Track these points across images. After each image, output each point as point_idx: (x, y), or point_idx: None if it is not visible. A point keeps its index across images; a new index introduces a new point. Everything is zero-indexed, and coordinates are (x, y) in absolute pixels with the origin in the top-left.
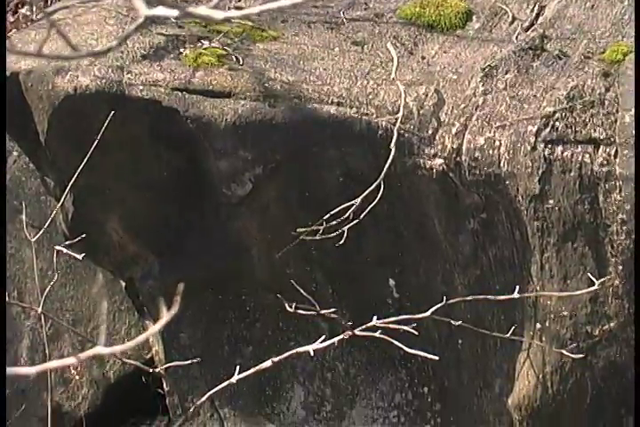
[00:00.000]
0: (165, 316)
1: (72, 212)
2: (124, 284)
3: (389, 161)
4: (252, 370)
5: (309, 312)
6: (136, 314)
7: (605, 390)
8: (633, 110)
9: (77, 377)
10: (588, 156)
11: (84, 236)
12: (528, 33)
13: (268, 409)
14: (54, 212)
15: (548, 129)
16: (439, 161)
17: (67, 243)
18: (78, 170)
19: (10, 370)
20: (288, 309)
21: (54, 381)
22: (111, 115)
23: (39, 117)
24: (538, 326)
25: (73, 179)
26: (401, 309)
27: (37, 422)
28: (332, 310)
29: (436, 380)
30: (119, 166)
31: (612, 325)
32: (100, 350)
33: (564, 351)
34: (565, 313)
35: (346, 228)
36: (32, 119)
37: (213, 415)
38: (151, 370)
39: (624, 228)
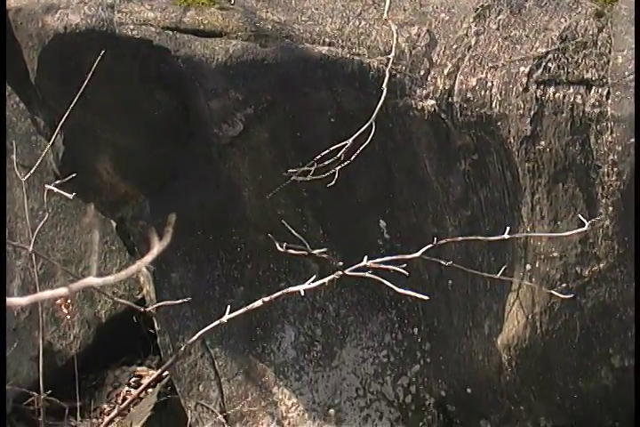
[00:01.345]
0: (157, 246)
1: (62, 151)
2: (114, 224)
3: (381, 102)
4: (243, 310)
5: (300, 252)
6: (127, 255)
7: (594, 329)
8: (626, 51)
9: (68, 317)
10: (580, 97)
11: (74, 175)
12: None
13: (259, 349)
14: (45, 151)
15: (540, 70)
16: (431, 102)
17: (57, 182)
18: (69, 109)
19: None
20: (279, 249)
21: (45, 320)
22: (101, 54)
23: (29, 56)
24: (528, 266)
25: (63, 118)
26: (391, 250)
27: (28, 360)
28: (323, 250)
29: (426, 320)
30: (110, 106)
31: (601, 265)
32: (91, 281)
33: (553, 292)
34: (555, 254)
35: (337, 169)
36: (22, 58)
37: (204, 355)
38: (142, 309)
39: (615, 169)
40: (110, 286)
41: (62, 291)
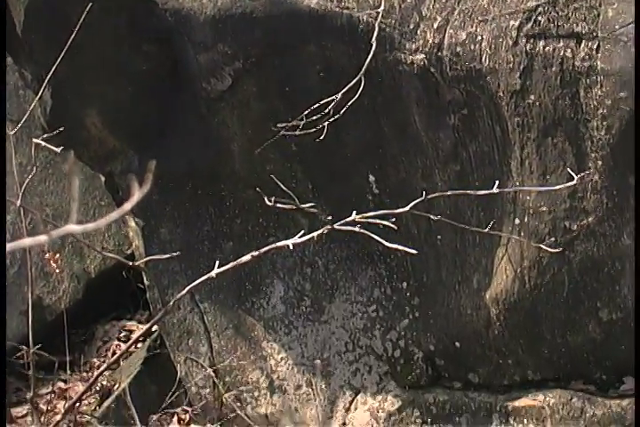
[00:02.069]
0: (137, 193)
1: (50, 105)
2: (103, 179)
3: (370, 56)
4: (232, 264)
5: (289, 206)
6: (116, 209)
7: (582, 284)
8: (616, 4)
9: (57, 271)
10: (569, 50)
11: (62, 130)
12: None
13: (248, 304)
14: (32, 105)
15: (530, 24)
16: (420, 56)
17: (45, 136)
18: (56, 63)
19: None
20: (267, 203)
21: (35, 275)
22: (89, 6)
23: (16, 8)
24: (517, 221)
25: (51, 72)
26: (380, 204)
27: (18, 315)
28: (312, 204)
29: (415, 275)
30: (97, 59)
31: (590, 219)
32: (71, 228)
33: (542, 246)
34: (544, 208)
35: (326, 123)
36: (8, 10)
37: (194, 310)
38: (131, 264)
39: (604, 123)
40: (99, 240)
41: (42, 238)
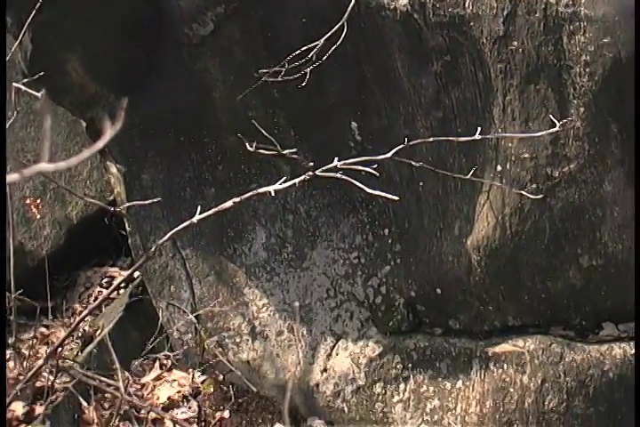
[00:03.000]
0: (109, 130)
1: (31, 50)
2: (84, 124)
3: (353, 2)
4: (214, 210)
5: (271, 152)
6: (97, 156)
7: (563, 230)
8: None
9: (39, 217)
10: None
11: (43, 74)
12: None
13: (230, 250)
14: (12, 50)
15: None
16: (403, 2)
17: (25, 81)
18: (36, 7)
19: None
20: (249, 148)
21: (16, 220)
22: None
23: None
24: (498, 168)
25: (31, 16)
26: (363, 151)
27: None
28: (294, 150)
29: (397, 222)
30: (78, 4)
31: (571, 166)
32: (43, 166)
33: (523, 193)
34: (526, 155)
35: (308, 69)
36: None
37: (175, 256)
38: (113, 210)
39: (587, 69)
40: (81, 187)
41: (14, 176)
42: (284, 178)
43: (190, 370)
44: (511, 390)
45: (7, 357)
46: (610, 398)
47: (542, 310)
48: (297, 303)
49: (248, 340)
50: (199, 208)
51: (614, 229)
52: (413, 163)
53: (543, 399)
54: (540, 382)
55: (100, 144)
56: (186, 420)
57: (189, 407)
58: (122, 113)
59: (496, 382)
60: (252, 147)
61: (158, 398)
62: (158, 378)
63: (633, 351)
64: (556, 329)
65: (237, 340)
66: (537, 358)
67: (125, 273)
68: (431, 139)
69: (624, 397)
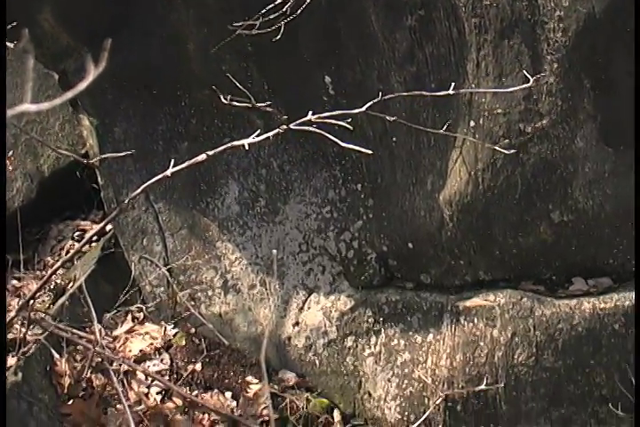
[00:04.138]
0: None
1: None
2: (57, 76)
3: None
4: (187, 163)
5: (244, 104)
6: (70, 108)
7: (535, 186)
8: None
9: (10, 168)
10: None
11: (14, 25)
12: None
13: (203, 204)
14: None
15: None
16: None
17: None
18: None
19: None
20: (223, 100)
21: None
22: None
23: None
24: (472, 123)
25: None
26: (336, 105)
27: None
28: (267, 103)
29: (370, 177)
30: None
31: (544, 122)
32: (26, 107)
33: (496, 148)
34: (499, 110)
35: (282, 23)
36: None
37: (148, 209)
38: (86, 162)
39: (560, 25)
40: (53, 141)
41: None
42: (258, 131)
43: (162, 323)
44: (481, 343)
45: None
46: (578, 352)
47: (513, 264)
48: (275, 251)
49: (220, 293)
50: (172, 161)
51: (585, 185)
52: (387, 117)
53: (513, 353)
54: (509, 335)
55: (74, 91)
56: (158, 372)
57: (161, 360)
58: (94, 65)
59: (466, 335)
60: (225, 99)
61: (130, 351)
62: (130, 331)
63: (602, 306)
64: (526, 284)
65: (210, 293)
66: (507, 313)
67: (97, 226)
68: (405, 93)
69: (592, 350)
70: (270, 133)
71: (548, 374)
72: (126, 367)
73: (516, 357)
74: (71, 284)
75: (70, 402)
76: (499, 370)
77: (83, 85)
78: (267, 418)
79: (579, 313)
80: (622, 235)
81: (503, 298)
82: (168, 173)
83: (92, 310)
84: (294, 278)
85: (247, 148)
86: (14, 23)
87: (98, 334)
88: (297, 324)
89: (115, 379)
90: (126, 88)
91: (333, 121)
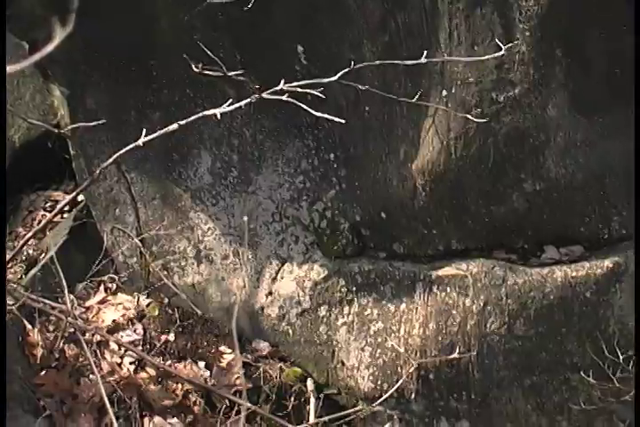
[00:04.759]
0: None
1: None
2: (27, 46)
3: None
4: (159, 133)
5: (216, 73)
6: (40, 79)
7: (507, 155)
8: None
9: None
10: None
11: None
12: None
13: (175, 174)
14: None
15: None
16: None
17: None
18: None
19: None
20: (194, 69)
21: None
22: None
23: None
24: (444, 92)
25: None
26: (308, 75)
27: None
28: (239, 72)
29: (343, 146)
30: None
31: (516, 91)
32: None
33: (468, 116)
34: (471, 79)
35: None
36: None
37: (120, 180)
38: (57, 131)
39: None
40: (23, 111)
41: None
42: (230, 101)
43: (135, 293)
44: (454, 312)
45: None
46: (550, 320)
47: (485, 233)
48: (245, 218)
49: (193, 263)
50: (144, 131)
51: (558, 154)
52: (359, 86)
53: (485, 322)
54: (482, 304)
55: (41, 54)
56: (131, 343)
57: (134, 330)
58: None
59: (439, 304)
60: (197, 68)
61: (103, 321)
62: (103, 301)
63: (573, 274)
64: (498, 253)
65: (183, 263)
66: (479, 282)
67: (69, 197)
68: (377, 62)
69: (564, 318)
70: (242, 103)
71: (520, 343)
72: (99, 338)
73: (488, 325)
74: (43, 254)
75: (43, 373)
76: (471, 339)
77: (50, 48)
78: (240, 388)
79: (551, 281)
80: (594, 203)
81: (475, 267)
82: (139, 142)
83: (64, 280)
84: (267, 248)
85: (219, 117)
86: None
87: (70, 305)
88: (270, 294)
89: (87, 349)
90: (98, 59)
91: (305, 90)
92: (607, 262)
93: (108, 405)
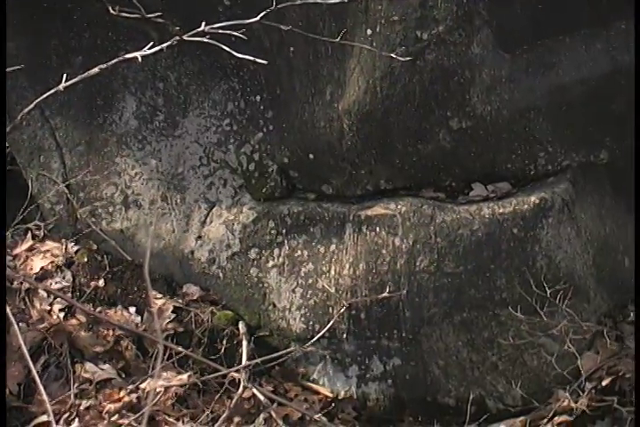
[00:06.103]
0: None
1: None
2: None
3: None
4: (80, 77)
5: (134, 15)
6: None
7: (433, 93)
8: None
9: None
10: None
11: None
12: None
13: (100, 119)
14: None
15: None
16: None
17: None
18: None
19: None
20: (111, 11)
21: None
22: None
23: None
24: (368, 31)
25: None
26: (232, 17)
27: None
28: (158, 14)
29: (269, 88)
30: None
31: (440, 28)
32: None
33: (393, 55)
34: (396, 18)
35: None
36: None
37: (44, 126)
38: None
39: None
40: None
41: None
42: (151, 44)
43: (63, 240)
44: (383, 251)
45: None
46: (479, 257)
47: (413, 172)
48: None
49: (121, 209)
50: (65, 76)
51: (483, 91)
52: (282, 27)
53: (414, 260)
54: (411, 243)
55: None
56: (60, 289)
57: (63, 277)
58: None
59: (369, 244)
60: (114, 10)
61: (32, 269)
62: (31, 249)
63: (501, 211)
64: (426, 191)
65: (110, 209)
66: (408, 220)
67: None
68: (299, 1)
69: (492, 255)
70: (164, 45)
71: (450, 280)
72: (28, 285)
73: (417, 264)
74: None
75: None
76: (401, 277)
77: None
78: (172, 332)
79: (478, 218)
80: (520, 140)
81: (404, 206)
82: (60, 87)
83: None
84: (195, 192)
85: (141, 60)
86: None
87: None
88: (200, 237)
89: (16, 297)
90: (17, 2)
91: (228, 31)
92: (533, 198)
93: (26, 354)
